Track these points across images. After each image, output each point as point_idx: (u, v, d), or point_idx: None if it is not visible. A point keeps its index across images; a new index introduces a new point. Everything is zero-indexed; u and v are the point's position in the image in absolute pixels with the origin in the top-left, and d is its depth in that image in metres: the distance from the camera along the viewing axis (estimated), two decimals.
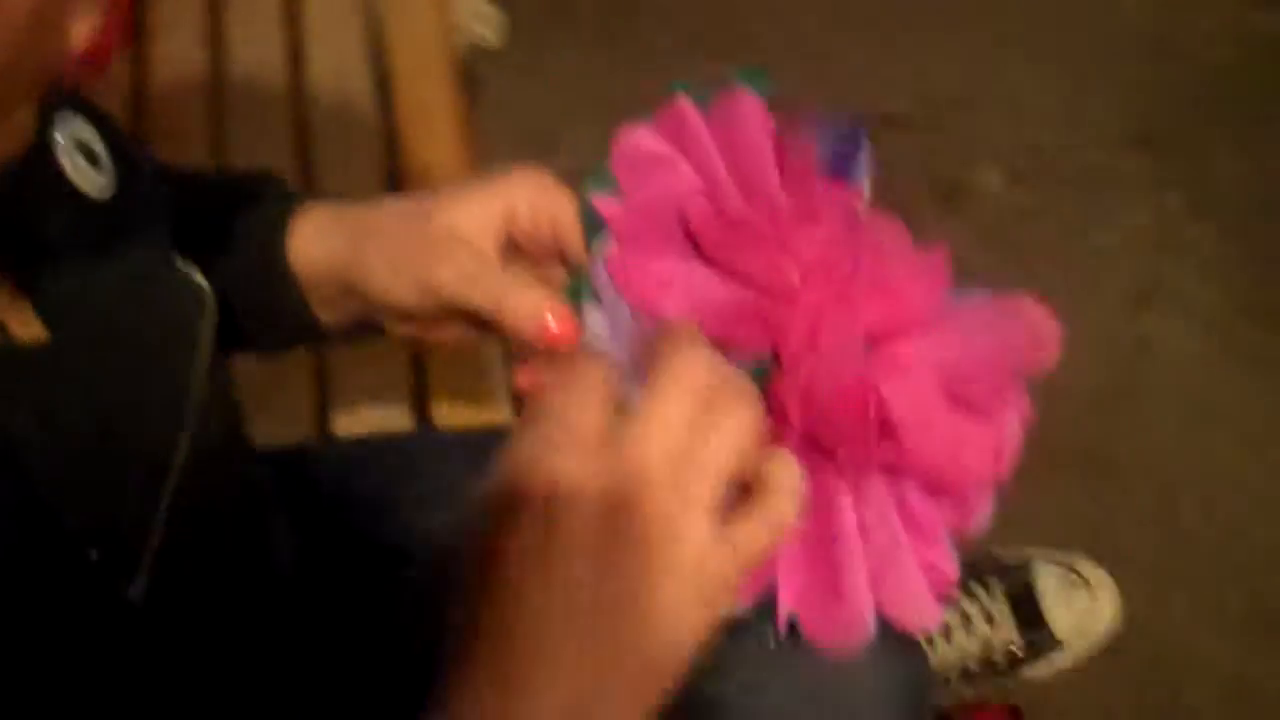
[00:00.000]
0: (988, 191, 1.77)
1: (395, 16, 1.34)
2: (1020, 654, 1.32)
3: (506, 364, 1.12)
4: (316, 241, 0.66)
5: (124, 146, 0.58)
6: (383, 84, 1.29)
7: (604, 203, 0.61)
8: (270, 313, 0.69)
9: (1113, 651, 1.37)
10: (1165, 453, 1.52)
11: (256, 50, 1.30)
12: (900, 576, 0.53)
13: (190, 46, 1.29)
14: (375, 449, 0.89)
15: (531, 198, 0.63)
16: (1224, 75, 1.88)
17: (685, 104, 0.58)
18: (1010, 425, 0.53)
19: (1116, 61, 1.91)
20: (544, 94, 1.86)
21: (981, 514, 0.55)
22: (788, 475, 0.45)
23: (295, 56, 1.30)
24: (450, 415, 1.08)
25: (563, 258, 0.64)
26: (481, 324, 0.64)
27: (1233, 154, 1.78)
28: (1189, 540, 1.45)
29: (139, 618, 0.52)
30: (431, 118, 1.26)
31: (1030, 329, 0.51)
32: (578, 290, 0.62)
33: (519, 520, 0.44)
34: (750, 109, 0.56)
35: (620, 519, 0.43)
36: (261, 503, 0.72)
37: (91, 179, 0.54)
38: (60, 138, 0.54)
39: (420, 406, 1.08)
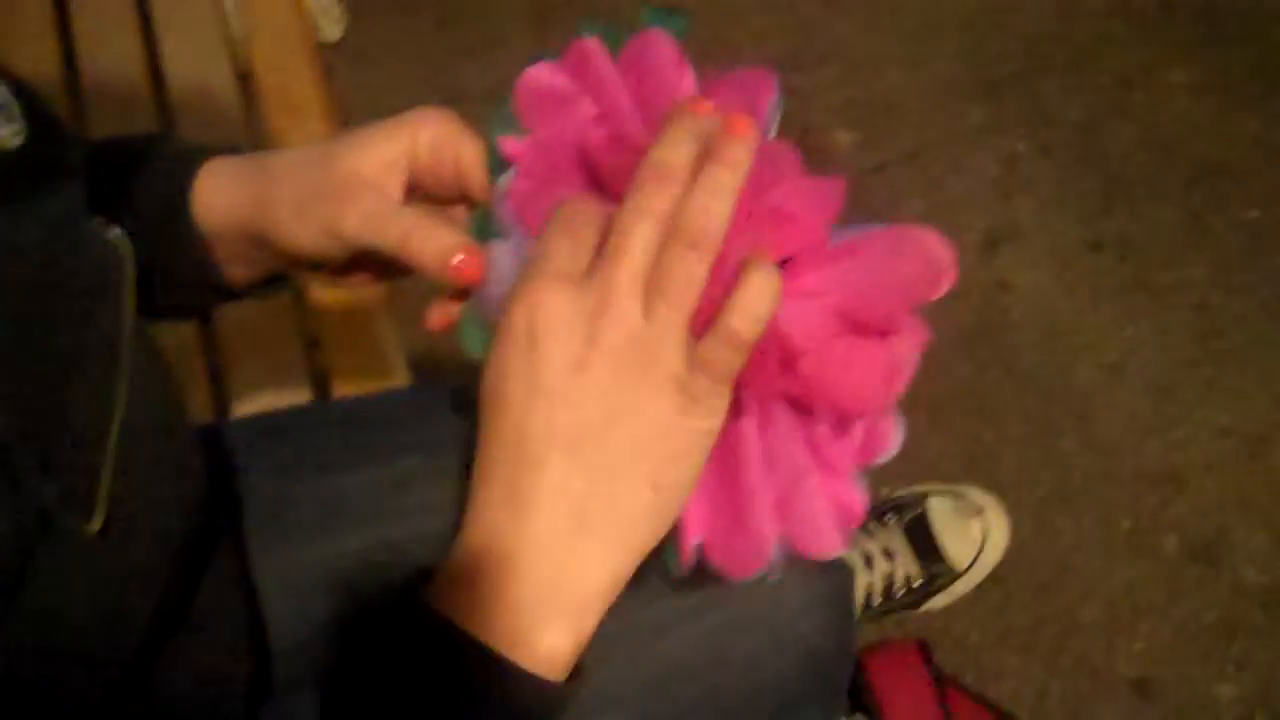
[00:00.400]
0: (839, 152, 1.82)
1: (251, 10, 1.32)
2: (921, 585, 1.36)
3: (402, 335, 1.11)
4: (220, 194, 0.65)
5: (34, 101, 0.57)
6: (243, 79, 1.27)
7: (507, 140, 0.60)
8: (178, 271, 0.67)
9: (1006, 578, 1.42)
10: (1034, 385, 1.58)
11: (110, 49, 1.26)
12: (805, 506, 0.54)
13: (40, 49, 1.25)
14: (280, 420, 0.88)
15: (433, 137, 0.63)
16: (1052, 22, 1.97)
17: (589, 42, 0.58)
18: (906, 350, 0.53)
19: (949, 17, 1.97)
20: (387, 82, 1.85)
21: (889, 444, 0.56)
22: (754, 290, 0.48)
23: (151, 53, 1.27)
24: (352, 388, 1.07)
25: (466, 196, 0.65)
26: (389, 266, 0.64)
27: (1065, 97, 1.86)
28: (1068, 466, 1.51)
29: (97, 553, 0.53)
30: (299, 111, 1.25)
31: (926, 257, 0.51)
32: (483, 228, 0.61)
33: (506, 348, 0.49)
34: (661, 46, 0.56)
35: (596, 338, 0.48)
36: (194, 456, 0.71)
37: (2, 130, 0.53)
38: None
39: (320, 388, 1.07)
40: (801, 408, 0.55)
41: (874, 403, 0.53)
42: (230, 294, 0.70)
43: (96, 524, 0.52)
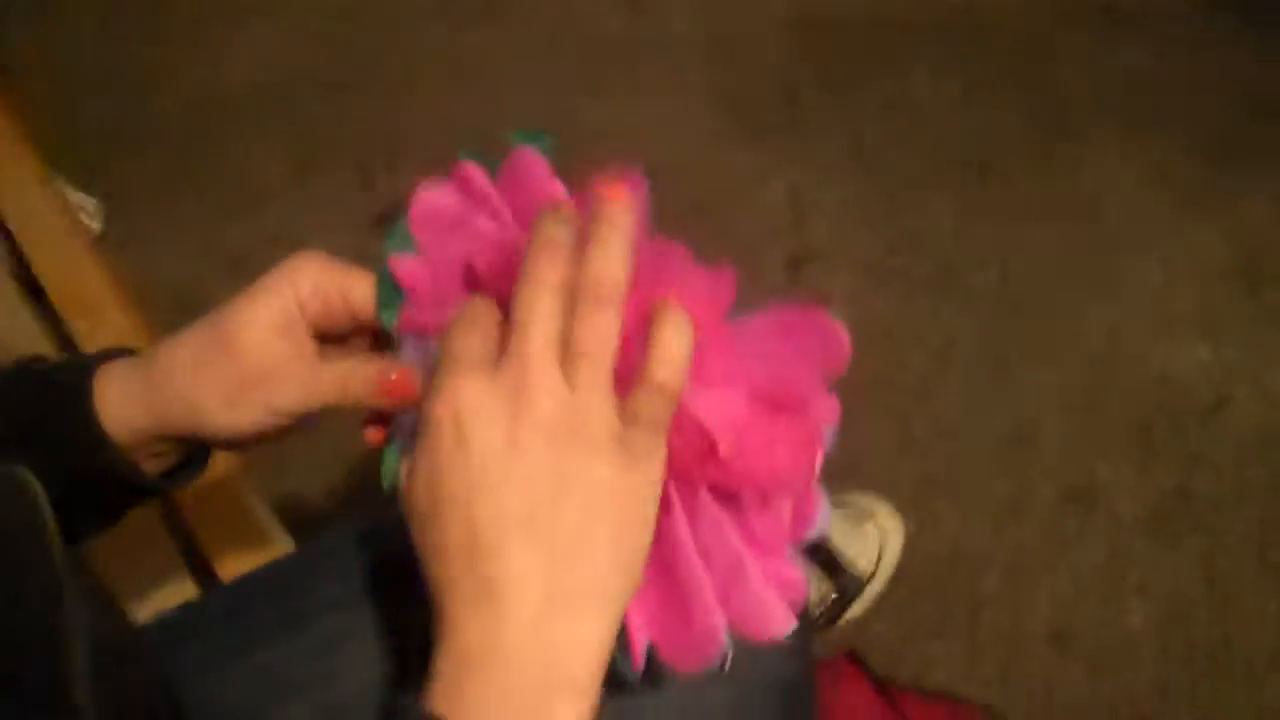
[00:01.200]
0: None
1: (23, 222, 1.28)
2: (835, 601, 1.38)
3: (267, 499, 1.09)
4: (124, 401, 0.63)
5: None
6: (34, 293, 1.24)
7: (399, 262, 0.61)
8: (96, 484, 0.65)
9: (905, 572, 1.46)
10: (873, 384, 1.63)
11: None
12: (747, 591, 0.55)
13: None
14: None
15: (313, 283, 0.62)
16: (799, 59, 2.05)
17: (470, 166, 0.60)
18: (820, 424, 0.55)
19: (695, 74, 2.04)
20: (164, 261, 1.82)
21: (816, 517, 0.57)
22: (668, 338, 0.50)
23: None
24: (236, 565, 1.04)
25: (361, 327, 0.64)
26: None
27: (827, 121, 1.95)
28: (927, 452, 1.57)
29: None
30: (96, 310, 1.22)
31: (820, 333, 0.53)
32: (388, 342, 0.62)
33: (436, 447, 0.50)
34: (533, 164, 0.58)
35: (523, 414, 0.49)
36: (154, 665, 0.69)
37: None
38: None
39: (202, 575, 1.04)
40: (726, 494, 0.56)
41: (797, 480, 0.55)
42: (152, 490, 0.67)
43: None
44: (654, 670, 0.55)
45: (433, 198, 0.60)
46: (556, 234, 0.51)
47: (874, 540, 1.41)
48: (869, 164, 1.88)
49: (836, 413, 0.55)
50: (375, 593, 0.81)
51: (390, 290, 0.62)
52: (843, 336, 0.52)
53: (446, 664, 0.49)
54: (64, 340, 1.18)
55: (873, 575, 1.40)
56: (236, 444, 0.64)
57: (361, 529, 0.85)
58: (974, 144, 1.90)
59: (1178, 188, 1.83)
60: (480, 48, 2.08)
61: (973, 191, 1.83)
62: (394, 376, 0.60)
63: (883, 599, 1.44)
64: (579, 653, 0.49)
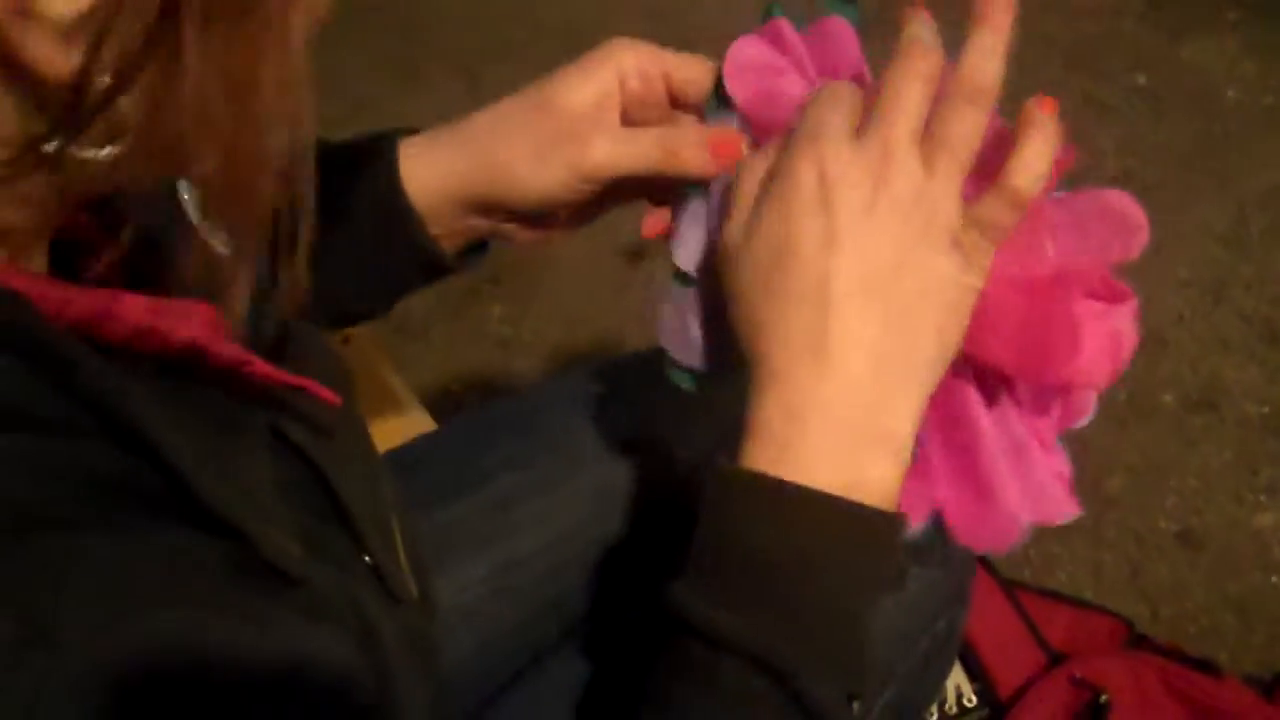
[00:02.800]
0: None
1: None
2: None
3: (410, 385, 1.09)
4: (431, 167, 0.64)
5: None
6: None
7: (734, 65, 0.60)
8: (390, 257, 0.67)
9: None
10: None
11: None
12: (1036, 475, 0.55)
13: None
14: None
15: (636, 62, 0.63)
16: None
17: (782, 23, 0.60)
18: (1128, 318, 0.54)
19: None
20: None
21: (1086, 411, 0.58)
22: (1028, 155, 0.50)
23: None
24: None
25: (679, 104, 0.65)
26: (620, 193, 0.65)
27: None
28: None
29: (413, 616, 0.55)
30: None
31: (1120, 216, 0.52)
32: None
33: (795, 202, 0.51)
34: (842, 29, 0.58)
35: (882, 187, 0.50)
36: None
37: (217, 234, 0.52)
38: (186, 194, 0.51)
39: None
40: (1006, 381, 0.56)
41: (1105, 375, 0.53)
42: (439, 270, 0.68)
43: (413, 589, 0.53)
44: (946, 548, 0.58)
45: (746, 49, 0.59)
46: (923, 34, 0.52)
47: None
48: None
49: (1137, 306, 0.54)
50: (548, 455, 0.81)
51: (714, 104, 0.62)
52: (1142, 223, 0.51)
53: (771, 415, 0.51)
54: None
55: None
56: (536, 211, 0.65)
57: (522, 399, 0.86)
58: (1080, 31, 1.85)
59: None
60: None
61: (1083, 83, 1.79)
62: (718, 141, 0.60)
63: None
64: (895, 419, 0.51)
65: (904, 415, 0.51)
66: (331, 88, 1.88)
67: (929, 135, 0.51)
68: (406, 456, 0.86)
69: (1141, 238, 0.52)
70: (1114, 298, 0.53)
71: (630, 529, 0.80)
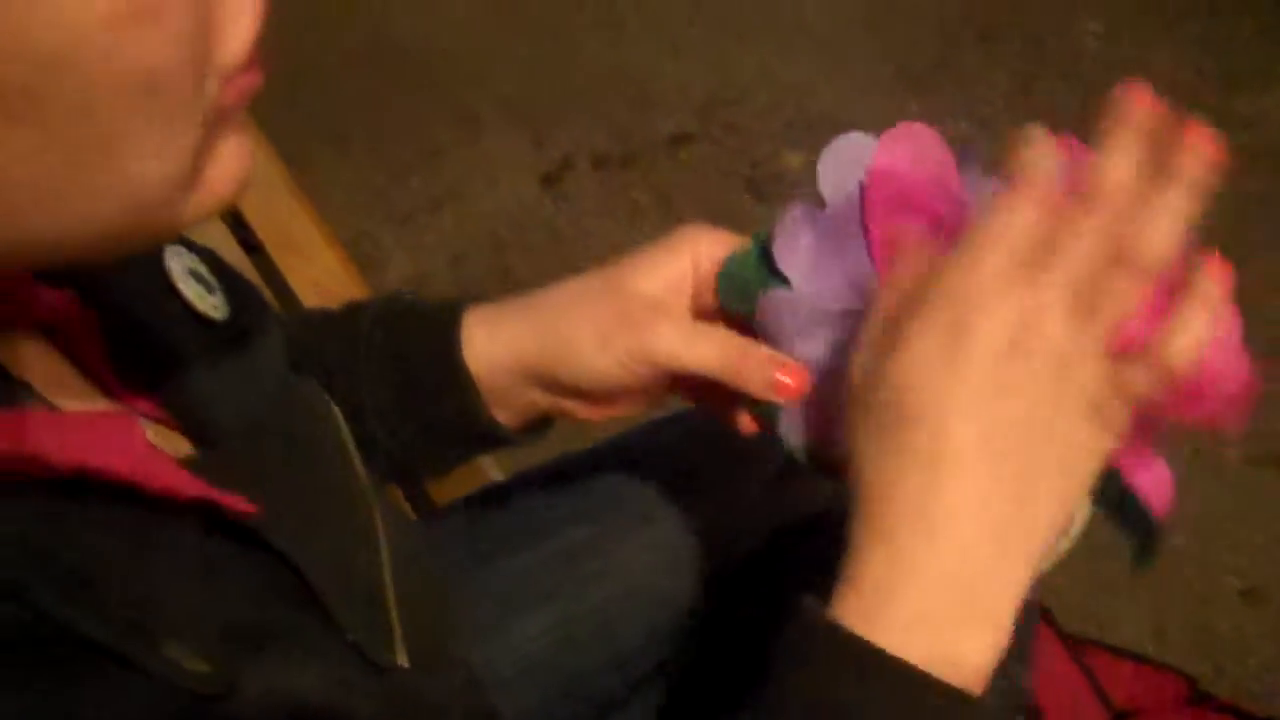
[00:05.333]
0: (793, 175, 1.85)
1: None
2: None
3: None
4: (492, 338, 0.64)
5: (227, 271, 0.57)
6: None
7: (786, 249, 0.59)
8: (441, 424, 0.66)
9: (1090, 529, 1.43)
10: None
11: None
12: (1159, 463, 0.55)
13: None
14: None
15: (710, 251, 0.62)
16: (954, 3, 2.02)
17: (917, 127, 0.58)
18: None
19: (855, 25, 2.02)
20: (336, 216, 1.85)
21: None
22: (1187, 327, 0.46)
23: None
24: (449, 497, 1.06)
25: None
26: (681, 387, 0.64)
27: (987, 69, 1.92)
28: None
29: (407, 682, 0.52)
30: (303, 249, 1.24)
31: None
32: (742, 280, 0.60)
33: (924, 339, 0.47)
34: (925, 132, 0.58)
35: (1022, 336, 0.46)
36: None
37: (209, 302, 0.54)
38: (174, 267, 0.53)
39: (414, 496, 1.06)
40: None
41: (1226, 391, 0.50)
42: (494, 441, 0.68)
43: (402, 657, 0.51)
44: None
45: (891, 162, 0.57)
46: (1124, 172, 0.46)
47: None
48: (1031, 111, 1.85)
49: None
50: (613, 510, 0.81)
51: (744, 283, 0.60)
52: None
53: (871, 571, 0.48)
54: (273, 277, 1.21)
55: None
56: (598, 391, 0.63)
57: (593, 450, 0.86)
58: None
59: None
60: (637, 2, 2.08)
61: None
62: (785, 375, 0.57)
63: (1067, 553, 1.42)
64: (1002, 593, 0.47)
65: (1011, 590, 0.47)
66: (401, 134, 1.92)
67: (1086, 294, 0.46)
68: (473, 507, 0.87)
69: None
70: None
71: (689, 586, 0.81)
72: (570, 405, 0.65)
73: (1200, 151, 0.46)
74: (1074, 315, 0.46)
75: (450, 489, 1.06)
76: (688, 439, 0.83)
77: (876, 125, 1.69)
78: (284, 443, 0.53)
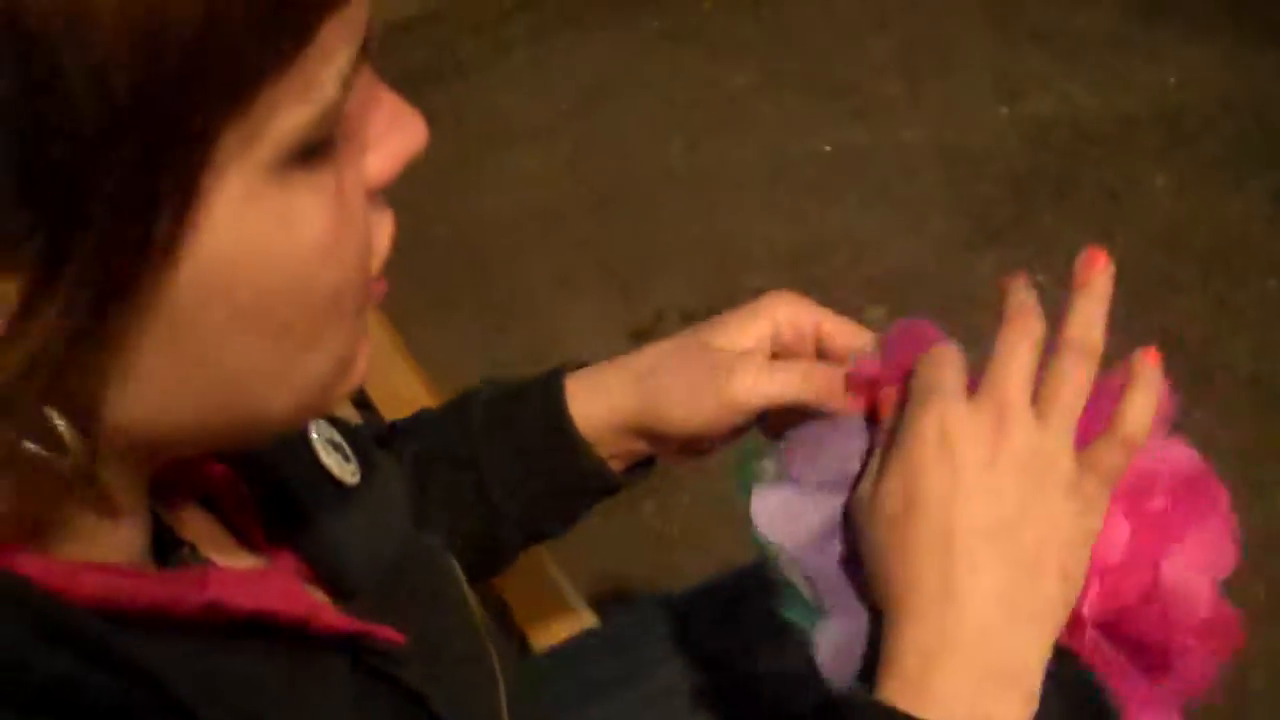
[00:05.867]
0: (874, 328, 1.90)
1: None
2: None
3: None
4: (595, 402, 0.71)
5: (359, 440, 0.64)
6: None
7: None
8: (559, 485, 0.73)
9: None
10: None
11: None
12: None
13: None
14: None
15: (791, 314, 0.70)
16: (1026, 158, 2.10)
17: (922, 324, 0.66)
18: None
19: (933, 180, 2.11)
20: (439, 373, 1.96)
21: (1210, 677, 0.62)
22: (1134, 409, 0.57)
23: None
24: (545, 639, 1.12)
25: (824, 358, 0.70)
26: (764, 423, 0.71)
27: (1062, 223, 1.98)
28: None
29: None
30: (411, 404, 1.33)
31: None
32: (747, 473, 0.66)
33: (920, 454, 0.57)
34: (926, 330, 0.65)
35: (1000, 442, 0.56)
36: None
37: (346, 469, 0.61)
38: (316, 436, 0.61)
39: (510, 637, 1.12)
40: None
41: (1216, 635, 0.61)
42: (607, 486, 0.74)
43: None
44: None
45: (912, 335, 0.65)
46: (1029, 299, 0.59)
47: None
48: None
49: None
50: (702, 651, 0.87)
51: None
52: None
53: (906, 652, 0.55)
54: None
55: None
56: (683, 440, 0.71)
57: (684, 595, 0.92)
58: (1212, 240, 1.91)
59: None
60: (715, 163, 2.19)
61: (1220, 289, 1.84)
62: (854, 368, 0.65)
63: None
64: (1026, 659, 0.55)
65: (1034, 656, 0.55)
66: (502, 297, 2.03)
67: (1041, 391, 0.57)
68: (569, 651, 0.93)
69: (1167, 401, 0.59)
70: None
71: None
72: (668, 452, 0.73)
73: (1096, 264, 0.59)
74: (1036, 404, 0.56)
75: (549, 635, 1.13)
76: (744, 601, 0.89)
77: (954, 280, 1.79)
78: (410, 591, 0.60)
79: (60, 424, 0.36)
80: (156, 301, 0.36)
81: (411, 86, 0.44)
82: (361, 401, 1.34)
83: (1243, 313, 1.82)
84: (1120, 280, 1.84)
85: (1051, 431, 0.56)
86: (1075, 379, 0.57)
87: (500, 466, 0.73)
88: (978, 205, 2.05)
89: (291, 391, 0.43)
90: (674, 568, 1.65)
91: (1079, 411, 0.57)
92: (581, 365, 0.74)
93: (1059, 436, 0.56)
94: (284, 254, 0.38)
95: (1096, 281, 0.59)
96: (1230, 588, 1.53)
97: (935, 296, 1.91)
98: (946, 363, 0.59)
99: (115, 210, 0.33)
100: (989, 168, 2.11)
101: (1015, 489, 0.56)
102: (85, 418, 0.37)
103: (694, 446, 0.72)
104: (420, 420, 0.78)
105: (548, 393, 0.72)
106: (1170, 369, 1.77)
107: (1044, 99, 2.19)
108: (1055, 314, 0.62)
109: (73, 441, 0.36)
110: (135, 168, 0.33)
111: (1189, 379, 1.71)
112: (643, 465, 0.76)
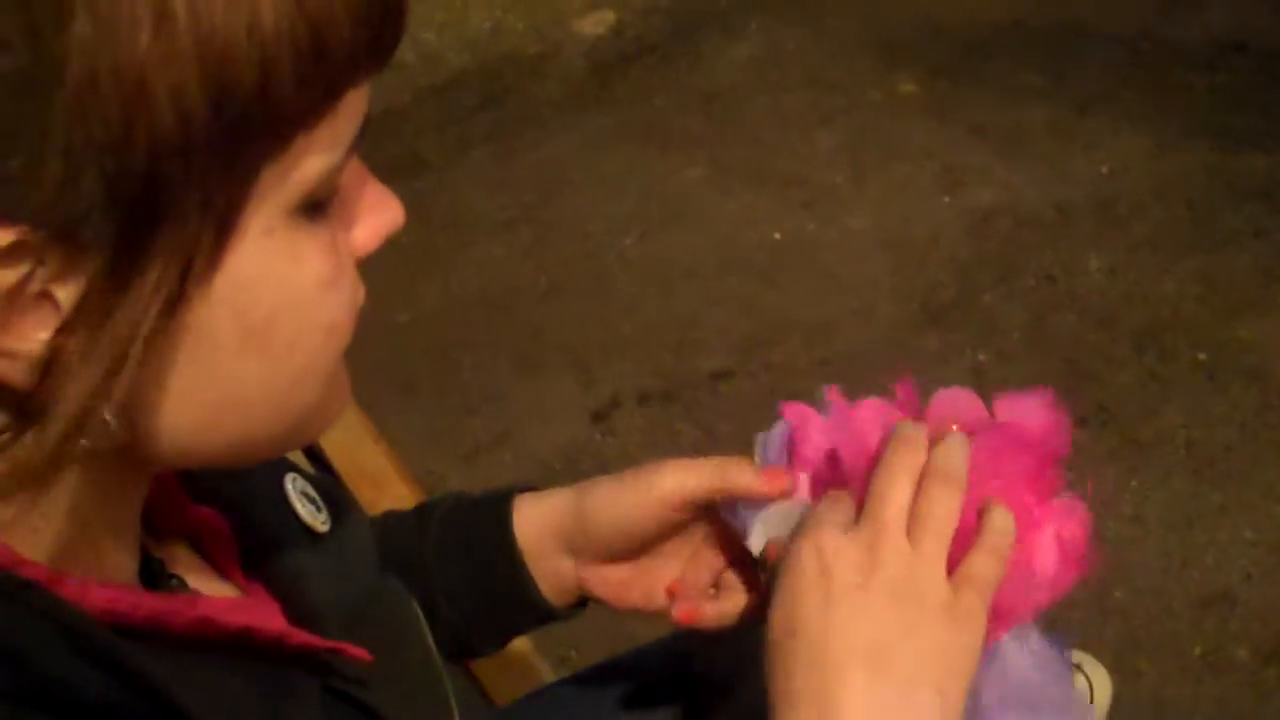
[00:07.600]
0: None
1: None
2: None
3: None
4: (537, 504, 0.77)
5: (330, 492, 0.70)
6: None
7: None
8: (500, 597, 0.78)
9: None
10: None
11: None
12: None
13: None
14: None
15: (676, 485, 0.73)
16: (968, 245, 2.19)
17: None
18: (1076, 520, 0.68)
19: (877, 267, 2.19)
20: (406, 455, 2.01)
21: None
22: (999, 519, 0.62)
23: None
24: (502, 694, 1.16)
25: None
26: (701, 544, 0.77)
27: (1003, 304, 2.07)
28: (1126, 613, 1.64)
29: None
30: (379, 482, 1.39)
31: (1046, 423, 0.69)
32: None
33: (798, 579, 0.61)
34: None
35: (876, 565, 0.59)
36: None
37: (317, 518, 0.67)
38: (291, 487, 0.67)
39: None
40: None
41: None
42: (539, 613, 0.79)
43: None
44: None
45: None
46: (913, 434, 0.64)
47: (1084, 690, 1.48)
48: (1047, 343, 1.99)
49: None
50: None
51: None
52: (1066, 419, 0.67)
53: None
54: None
55: None
56: (616, 539, 0.75)
57: (638, 652, 0.97)
58: (1147, 317, 2.00)
59: None
60: (669, 252, 2.28)
61: (1151, 364, 1.92)
62: (769, 475, 0.70)
63: None
64: None
65: None
66: (464, 381, 2.09)
67: (913, 517, 0.61)
68: (529, 705, 0.98)
69: (1068, 435, 0.67)
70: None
71: None
72: (593, 573, 0.77)
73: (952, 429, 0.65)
74: (910, 531, 0.61)
75: (509, 690, 1.18)
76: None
77: (901, 360, 1.88)
78: (374, 628, 0.65)
79: (113, 422, 0.42)
80: (192, 315, 0.42)
81: (378, 179, 0.50)
82: (312, 453, 1.39)
83: (1174, 385, 1.90)
84: (1058, 357, 1.94)
85: (923, 554, 0.60)
86: (944, 504, 0.61)
87: (448, 572, 0.78)
88: (922, 289, 2.13)
89: (283, 417, 0.49)
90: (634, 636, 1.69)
91: (950, 534, 0.61)
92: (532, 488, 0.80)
93: (931, 558, 0.60)
94: (294, 283, 0.45)
95: (950, 440, 0.64)
96: (1167, 653, 1.59)
97: (884, 376, 1.97)
98: (831, 503, 0.64)
99: (183, 225, 0.40)
100: (933, 254, 2.19)
101: (890, 610, 0.58)
102: (129, 421, 0.43)
103: (625, 546, 0.76)
104: (387, 524, 0.83)
105: (498, 503, 0.78)
106: (1106, 440, 1.86)
107: (984, 188, 2.29)
108: (985, 388, 0.71)
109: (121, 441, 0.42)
110: (203, 190, 0.40)
111: (1125, 450, 1.80)
112: (580, 605, 0.80)
